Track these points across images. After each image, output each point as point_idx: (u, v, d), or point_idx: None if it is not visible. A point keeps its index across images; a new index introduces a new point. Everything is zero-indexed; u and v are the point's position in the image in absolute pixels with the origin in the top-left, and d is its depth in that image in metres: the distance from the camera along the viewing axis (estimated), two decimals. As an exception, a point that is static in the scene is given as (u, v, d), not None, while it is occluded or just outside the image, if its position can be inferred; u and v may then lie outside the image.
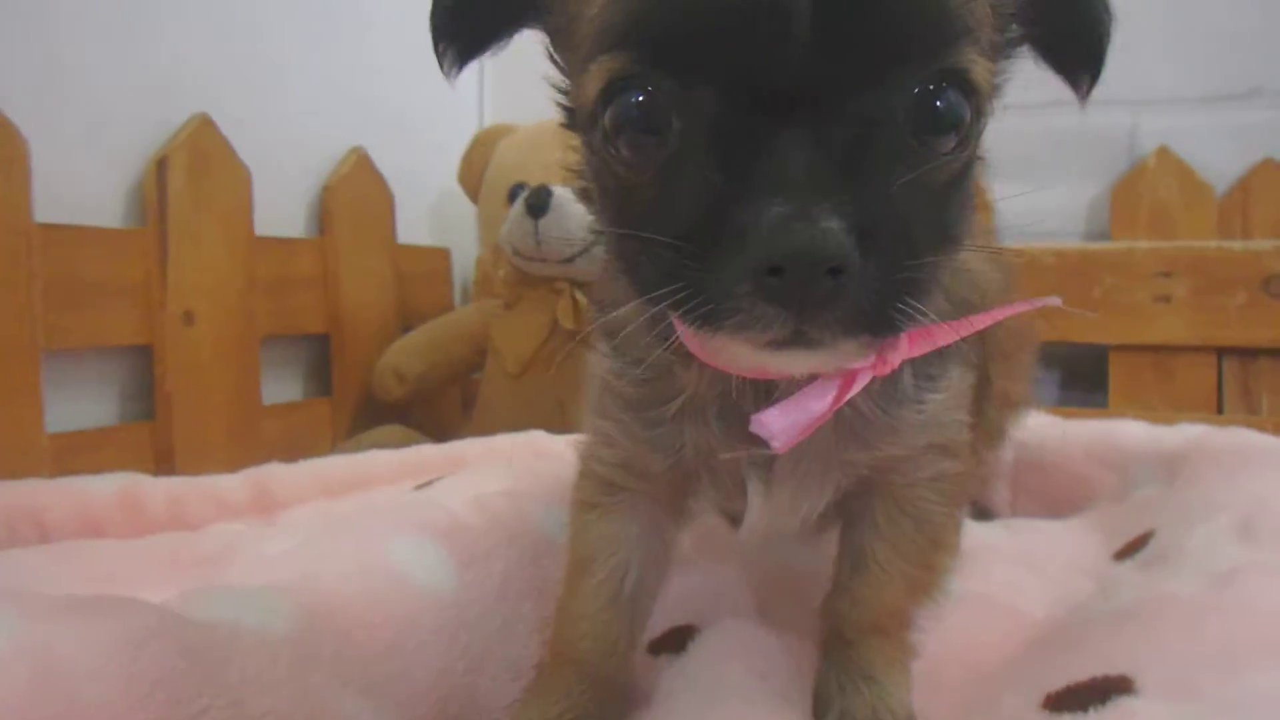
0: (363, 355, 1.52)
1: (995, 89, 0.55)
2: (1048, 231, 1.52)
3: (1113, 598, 0.84)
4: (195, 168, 1.24)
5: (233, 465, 1.12)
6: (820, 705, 0.70)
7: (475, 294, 1.80)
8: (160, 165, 1.20)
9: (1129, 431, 1.22)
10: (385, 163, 1.59)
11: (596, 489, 0.72)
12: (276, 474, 1.07)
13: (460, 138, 1.67)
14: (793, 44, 0.45)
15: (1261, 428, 1.15)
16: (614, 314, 0.63)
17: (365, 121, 1.58)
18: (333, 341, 1.48)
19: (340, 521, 0.90)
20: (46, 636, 0.52)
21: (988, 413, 0.78)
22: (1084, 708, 0.63)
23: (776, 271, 0.43)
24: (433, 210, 1.76)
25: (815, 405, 0.55)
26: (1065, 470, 1.23)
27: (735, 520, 0.73)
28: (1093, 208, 1.53)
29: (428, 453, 1.15)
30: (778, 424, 0.54)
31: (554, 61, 0.63)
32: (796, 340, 0.46)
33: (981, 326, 0.61)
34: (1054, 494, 1.23)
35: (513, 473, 0.98)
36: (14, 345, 1.04)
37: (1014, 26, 0.57)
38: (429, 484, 1.01)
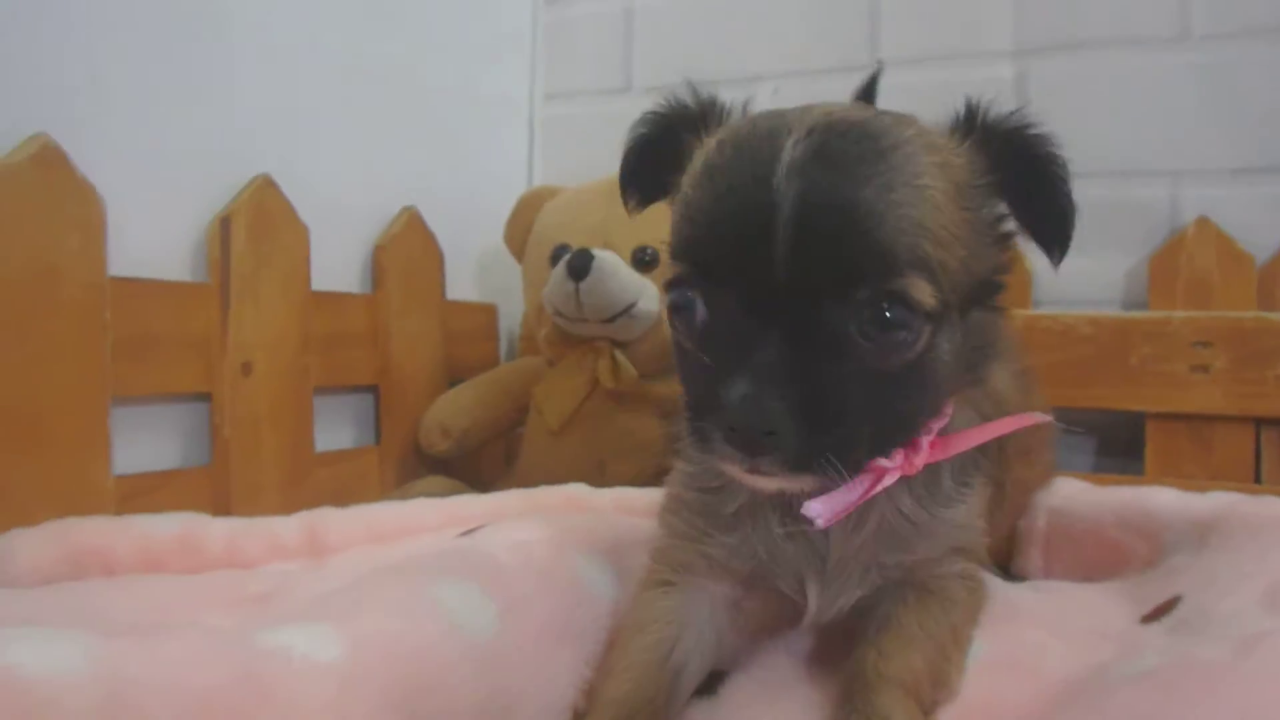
0: (410, 406, 1.57)
1: (988, 267, 0.72)
2: (1086, 300, 1.54)
3: (1136, 660, 0.84)
4: (257, 226, 1.31)
5: (286, 508, 1.16)
6: None
7: (521, 349, 1.85)
8: (224, 223, 1.27)
9: (1160, 499, 1.21)
10: (436, 220, 1.65)
11: (670, 569, 0.84)
12: (329, 518, 1.11)
13: (509, 197, 1.73)
14: (775, 271, 0.63)
15: (1300, 499, 1.15)
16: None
17: (417, 181, 1.64)
18: (382, 393, 1.54)
19: (387, 564, 0.94)
20: (119, 656, 0.55)
21: (997, 515, 0.91)
22: None
23: (734, 430, 0.64)
24: (480, 267, 1.82)
25: (851, 495, 0.71)
26: (1097, 536, 1.23)
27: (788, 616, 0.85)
28: (1130, 277, 1.54)
29: (472, 503, 1.18)
30: (819, 508, 0.69)
31: None
32: (757, 472, 0.66)
33: (990, 436, 0.79)
34: (1086, 560, 1.23)
35: (552, 522, 1.01)
36: (87, 395, 1.10)
37: (1008, 226, 0.73)
38: (472, 532, 1.04)
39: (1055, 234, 0.71)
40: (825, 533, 0.77)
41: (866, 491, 0.71)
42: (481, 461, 1.69)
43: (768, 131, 0.67)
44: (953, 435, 0.75)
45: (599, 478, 1.35)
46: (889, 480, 0.71)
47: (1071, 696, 0.79)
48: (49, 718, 0.51)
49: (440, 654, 0.72)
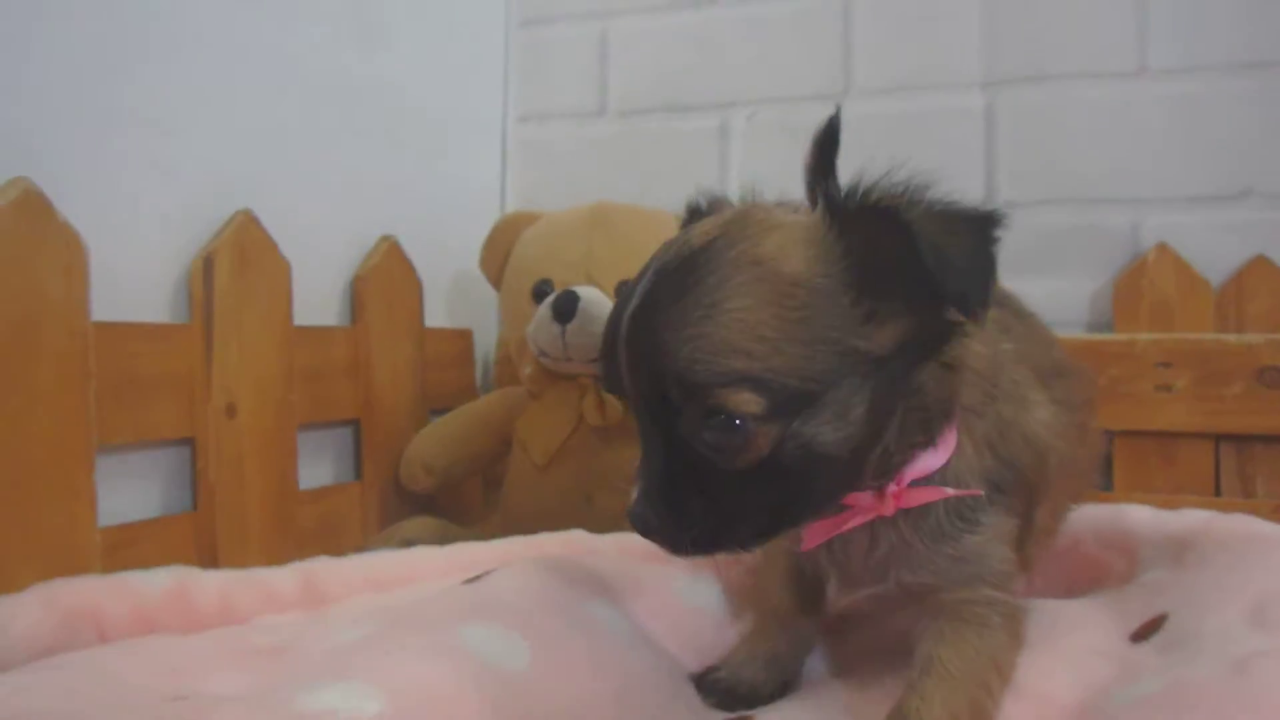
0: (392, 438, 1.56)
1: (926, 332, 0.76)
2: (1053, 321, 1.57)
3: (1136, 683, 0.88)
4: (239, 262, 1.29)
5: (271, 550, 1.15)
6: None
7: (497, 374, 1.85)
8: (206, 262, 1.25)
9: (1136, 516, 1.26)
10: (410, 246, 1.64)
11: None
12: (325, 568, 1.10)
13: (481, 220, 1.72)
14: (627, 393, 0.78)
15: (1257, 510, 1.21)
16: None
17: (394, 208, 1.63)
18: (364, 426, 1.52)
19: (399, 612, 0.94)
20: None
21: (1026, 546, 0.95)
22: None
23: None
24: (452, 291, 1.81)
25: (830, 526, 0.83)
26: (1077, 553, 1.28)
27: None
28: (1095, 300, 1.59)
29: (473, 549, 1.17)
30: (808, 534, 0.84)
31: None
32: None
33: (931, 498, 0.83)
34: (1068, 576, 1.27)
35: (561, 568, 1.01)
36: (72, 446, 1.07)
37: (876, 303, 0.75)
38: (478, 578, 1.04)
39: (945, 288, 0.73)
40: (845, 549, 0.88)
41: (839, 525, 0.82)
42: (462, 496, 1.68)
43: (640, 271, 0.79)
44: (916, 490, 0.82)
45: (586, 510, 1.35)
46: (859, 518, 0.82)
47: None
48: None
49: (479, 692, 0.73)
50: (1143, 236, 1.57)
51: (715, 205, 0.88)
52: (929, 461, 0.81)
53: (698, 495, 0.75)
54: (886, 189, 0.75)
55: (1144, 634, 1.01)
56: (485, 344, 1.90)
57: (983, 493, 0.85)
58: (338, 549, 1.21)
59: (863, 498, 0.81)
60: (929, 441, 0.81)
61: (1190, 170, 1.55)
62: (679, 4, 1.87)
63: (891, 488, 0.80)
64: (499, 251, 1.59)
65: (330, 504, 1.45)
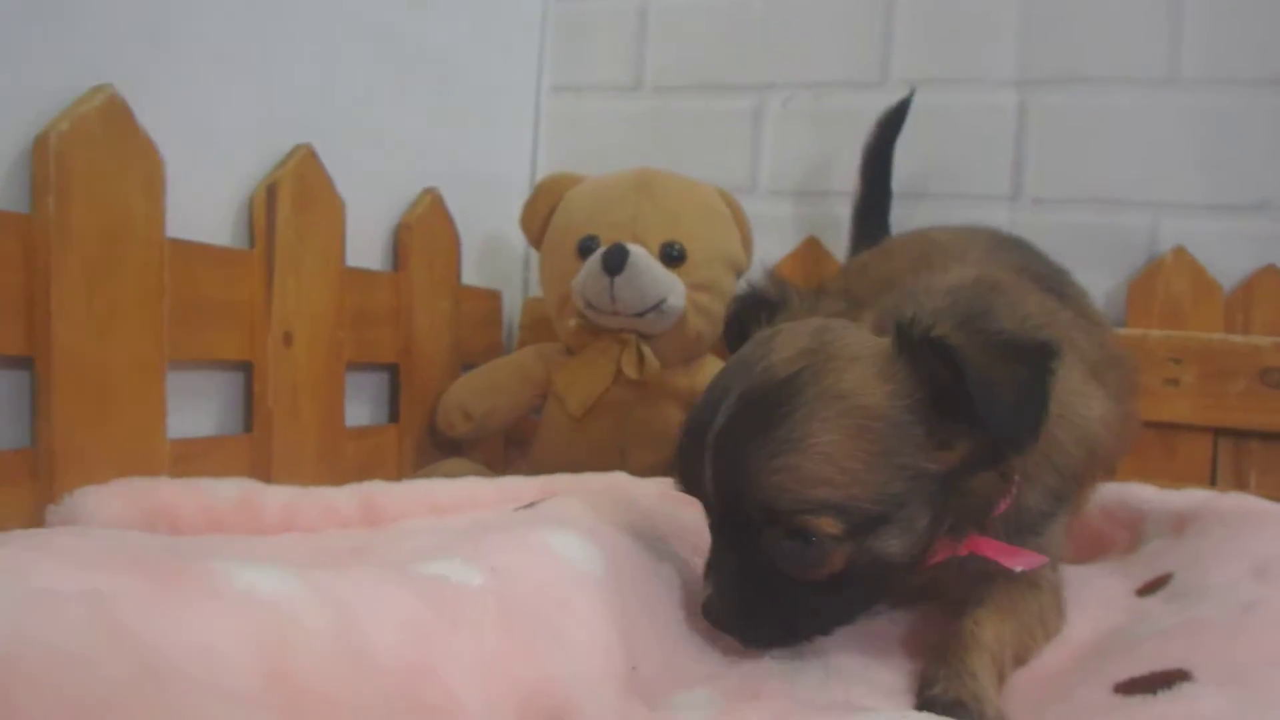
0: (428, 387, 1.60)
1: (972, 452, 0.82)
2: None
3: (1151, 623, 0.94)
4: (300, 196, 1.32)
5: (321, 479, 1.18)
6: (926, 686, 0.82)
7: (520, 338, 1.89)
8: (270, 191, 1.28)
9: (1140, 493, 1.34)
10: (449, 205, 1.68)
11: None
12: (383, 490, 1.14)
13: (512, 187, 1.76)
14: (715, 508, 0.85)
15: (1250, 501, 1.28)
16: None
17: (437, 164, 1.67)
18: (402, 371, 1.56)
19: (472, 520, 0.98)
20: (328, 583, 0.60)
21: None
22: (1152, 691, 0.73)
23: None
24: (483, 254, 1.85)
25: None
26: (1083, 525, 1.34)
27: None
28: (1110, 297, 1.66)
29: (523, 483, 1.21)
30: None
31: None
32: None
33: (1000, 554, 0.91)
34: (1074, 548, 1.33)
35: (608, 506, 1.05)
36: (149, 357, 1.11)
37: (952, 429, 0.82)
38: (532, 505, 1.08)
39: (994, 424, 0.78)
40: None
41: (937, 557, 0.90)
42: (487, 450, 1.72)
43: (719, 391, 0.84)
44: (983, 541, 0.91)
45: (620, 465, 1.40)
46: (938, 557, 0.90)
47: (1099, 653, 0.89)
48: (294, 633, 0.54)
49: (563, 581, 0.78)
50: (1160, 239, 1.64)
51: (776, 292, 0.99)
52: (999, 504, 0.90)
53: (770, 599, 0.83)
54: (950, 315, 0.84)
55: (1150, 589, 1.08)
56: (510, 307, 1.94)
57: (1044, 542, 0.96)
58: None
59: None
60: (980, 530, 0.91)
61: (1211, 179, 1.62)
62: (718, -20, 1.91)
63: (963, 542, 0.90)
64: (542, 210, 1.62)
65: (371, 443, 1.49)
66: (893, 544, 0.81)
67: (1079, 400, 0.97)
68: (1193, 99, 1.63)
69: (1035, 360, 0.79)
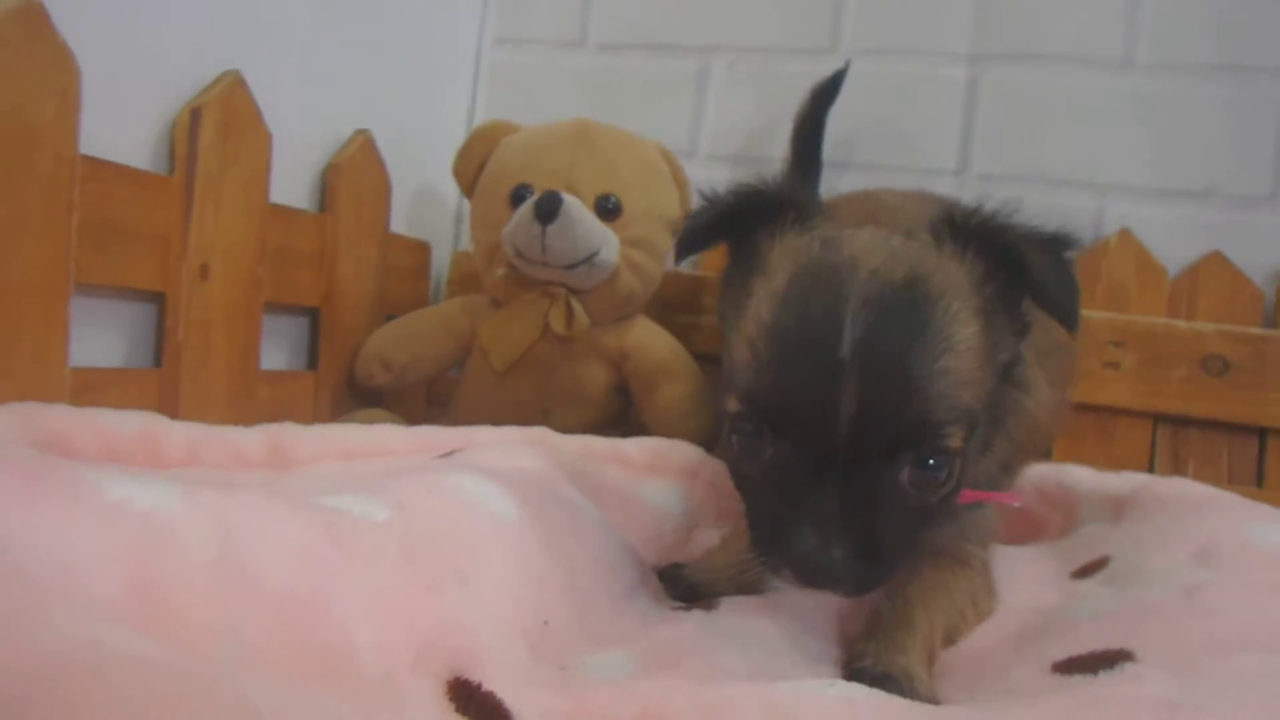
0: (349, 335, 1.53)
1: (1008, 343, 0.84)
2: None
3: (1087, 603, 0.92)
4: (226, 123, 1.25)
5: (232, 422, 1.11)
6: (854, 659, 0.78)
7: (449, 292, 1.82)
8: (194, 115, 1.21)
9: (1076, 475, 1.32)
10: (380, 149, 1.61)
11: None
12: (293, 434, 1.07)
13: (446, 138, 1.70)
14: (835, 433, 0.73)
15: (1187, 490, 1.27)
16: None
17: (372, 107, 1.60)
18: (323, 317, 1.49)
19: (383, 466, 0.93)
20: (216, 503, 0.56)
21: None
22: (1093, 671, 0.70)
23: (802, 575, 0.75)
24: (413, 204, 1.78)
25: None
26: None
27: None
28: (1054, 277, 1.65)
29: (441, 432, 1.16)
30: None
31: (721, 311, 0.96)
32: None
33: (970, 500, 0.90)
34: (1007, 530, 1.31)
35: (534, 456, 1.01)
36: (52, 277, 1.03)
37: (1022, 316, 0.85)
38: (450, 454, 1.03)
39: (1059, 311, 0.81)
40: None
41: None
42: (407, 403, 1.66)
43: (829, 301, 0.75)
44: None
45: (543, 423, 1.34)
46: None
47: (1036, 632, 0.86)
48: (169, 549, 0.50)
49: (475, 525, 0.74)
50: (1106, 221, 1.64)
51: (783, 198, 0.89)
52: None
53: (875, 540, 0.74)
54: (994, 212, 0.82)
55: (1086, 572, 1.06)
56: (440, 261, 1.87)
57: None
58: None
59: None
60: (986, 449, 0.89)
61: (1159, 163, 1.61)
62: (669, -59, 1.87)
63: None
64: (476, 157, 1.56)
65: (285, 389, 1.42)
66: (973, 451, 0.80)
67: (1033, 376, 0.95)
68: (1145, 83, 1.61)
69: (1066, 245, 0.82)
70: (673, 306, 1.65)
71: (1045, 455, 1.20)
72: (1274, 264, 1.57)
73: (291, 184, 1.44)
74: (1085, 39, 1.64)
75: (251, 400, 1.32)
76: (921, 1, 1.71)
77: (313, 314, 1.50)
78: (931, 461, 0.74)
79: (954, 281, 0.78)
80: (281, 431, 1.08)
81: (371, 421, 1.37)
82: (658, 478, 1.19)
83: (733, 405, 0.79)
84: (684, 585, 0.98)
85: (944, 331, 0.75)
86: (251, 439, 1.06)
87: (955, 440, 0.74)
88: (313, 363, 1.50)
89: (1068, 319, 0.80)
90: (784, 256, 0.83)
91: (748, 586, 0.95)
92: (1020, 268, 0.79)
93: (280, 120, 1.35)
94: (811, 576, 0.74)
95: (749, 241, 0.89)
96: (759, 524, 0.79)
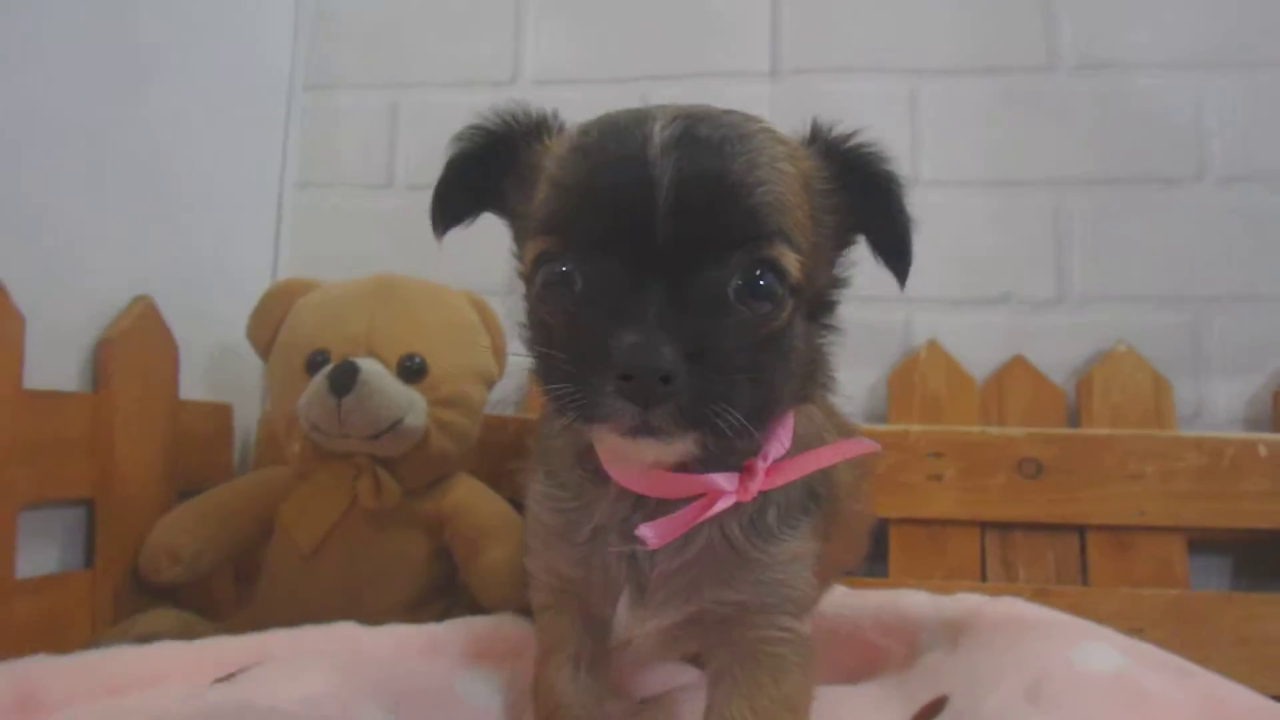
0: (131, 525, 1.38)
1: (827, 277, 0.80)
2: (833, 412, 1.63)
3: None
4: (-38, 314, 1.12)
5: (-18, 648, 0.97)
6: None
7: (258, 455, 1.69)
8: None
9: (912, 601, 1.30)
10: (167, 312, 1.49)
11: (547, 594, 0.92)
12: (45, 669, 0.94)
13: (248, 288, 1.59)
14: (656, 239, 0.67)
15: (1019, 594, 1.28)
16: (550, 442, 0.87)
17: (149, 270, 1.48)
18: (99, 507, 1.34)
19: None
20: None
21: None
22: None
23: (628, 378, 0.64)
24: (213, 363, 1.66)
25: (684, 518, 0.76)
26: (857, 639, 1.29)
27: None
28: (872, 391, 1.66)
29: (227, 645, 1.04)
30: (651, 532, 0.75)
31: (514, 243, 0.87)
32: (645, 430, 0.67)
33: (823, 464, 0.83)
34: (849, 662, 1.28)
35: (334, 672, 0.91)
36: None
37: (846, 233, 0.81)
38: (230, 678, 0.92)
39: (897, 250, 0.80)
40: (651, 553, 0.81)
41: (699, 514, 0.76)
42: (211, 589, 1.50)
43: (633, 119, 0.72)
44: (787, 461, 0.80)
45: (356, 608, 1.23)
46: (723, 504, 0.77)
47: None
48: None
49: None
50: (914, 333, 1.66)
51: (541, 116, 0.84)
52: (776, 449, 0.80)
53: (707, 345, 0.67)
54: (861, 136, 0.79)
55: (926, 715, 1.03)
56: (246, 421, 1.75)
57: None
58: (62, 649, 1.03)
59: (721, 480, 0.77)
60: (809, 396, 0.82)
61: (956, 275, 1.66)
62: (475, 81, 1.84)
63: (761, 463, 0.78)
64: (270, 320, 1.46)
65: (54, 596, 1.26)
66: (799, 332, 0.75)
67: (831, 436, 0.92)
68: (936, 198, 1.66)
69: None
70: (494, 452, 1.57)
71: (851, 563, 1.18)
72: (1070, 362, 1.63)
73: (57, 365, 1.31)
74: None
75: (7, 615, 1.16)
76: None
77: (88, 505, 1.35)
78: (761, 280, 0.69)
79: (789, 152, 0.75)
80: (30, 670, 0.94)
81: (156, 625, 1.24)
82: (478, 664, 1.10)
83: (535, 249, 0.74)
84: None
85: (764, 150, 0.72)
86: (-8, 684, 0.92)
87: (788, 263, 0.70)
88: (89, 560, 1.34)
89: (906, 262, 0.80)
90: (567, 136, 0.79)
91: None
92: (885, 195, 0.78)
93: (36, 299, 1.23)
94: (639, 376, 0.64)
95: (515, 179, 0.83)
96: (570, 373, 0.69)
